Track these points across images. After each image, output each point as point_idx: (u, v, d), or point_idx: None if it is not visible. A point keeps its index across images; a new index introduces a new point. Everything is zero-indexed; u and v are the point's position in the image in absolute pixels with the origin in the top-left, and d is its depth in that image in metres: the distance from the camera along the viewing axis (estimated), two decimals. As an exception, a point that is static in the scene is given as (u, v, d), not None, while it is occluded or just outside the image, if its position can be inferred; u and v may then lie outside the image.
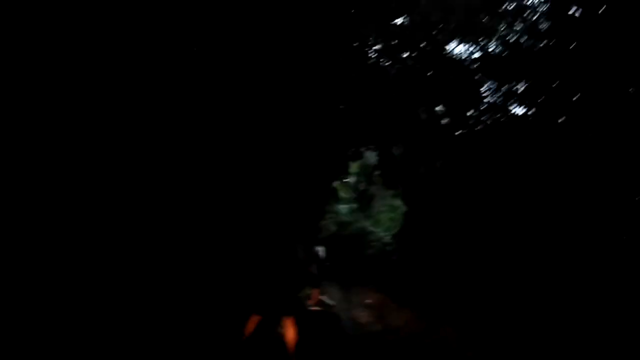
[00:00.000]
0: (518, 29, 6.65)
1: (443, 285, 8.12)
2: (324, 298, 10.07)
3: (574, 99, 5.64)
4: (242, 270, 5.91)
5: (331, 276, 12.73)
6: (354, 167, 14.22)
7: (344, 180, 11.85)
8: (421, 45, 6.92)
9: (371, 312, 10.47)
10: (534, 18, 6.43)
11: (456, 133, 7.91)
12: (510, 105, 6.76)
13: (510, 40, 6.76)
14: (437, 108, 7.89)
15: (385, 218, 13.94)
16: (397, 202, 12.80)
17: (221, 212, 5.99)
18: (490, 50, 6.81)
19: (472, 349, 6.59)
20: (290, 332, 5.05)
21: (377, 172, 9.90)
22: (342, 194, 13.94)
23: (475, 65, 7.13)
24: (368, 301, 11.95)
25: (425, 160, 8.78)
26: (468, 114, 7.46)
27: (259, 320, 4.95)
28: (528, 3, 6.57)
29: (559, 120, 6.01)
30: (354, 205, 16.45)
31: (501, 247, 6.78)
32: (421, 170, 8.78)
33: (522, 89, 6.47)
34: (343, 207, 14.97)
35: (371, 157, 10.99)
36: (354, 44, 7.26)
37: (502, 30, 6.91)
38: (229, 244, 6.20)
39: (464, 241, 7.61)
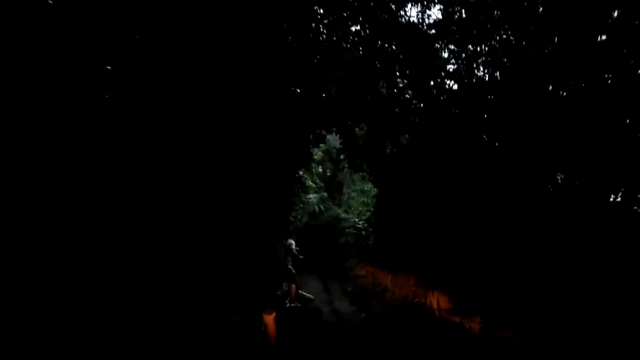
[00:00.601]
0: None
1: (424, 268, 7.82)
2: (303, 292, 9.68)
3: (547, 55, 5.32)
4: (214, 271, 5.71)
5: (308, 269, 12.49)
6: (318, 153, 13.74)
7: (310, 169, 11.34)
8: (374, 12, 6.43)
9: (352, 300, 10.19)
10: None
11: (420, 105, 7.54)
12: (476, 68, 6.39)
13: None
14: (398, 80, 7.46)
15: (357, 203, 13.57)
16: (367, 185, 12.43)
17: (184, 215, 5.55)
18: (450, 10, 6.39)
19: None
20: (270, 329, 4.95)
21: (342, 156, 9.41)
22: (310, 183, 13.42)
23: (434, 30, 6.73)
24: (348, 289, 11.71)
25: (391, 138, 8.39)
26: (432, 83, 7.08)
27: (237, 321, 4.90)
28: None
29: (529, 83, 5.68)
30: (324, 194, 16.01)
31: (478, 221, 6.46)
32: (387, 149, 8.39)
33: (487, 49, 6.11)
34: (312, 197, 14.48)
35: (334, 141, 10.51)
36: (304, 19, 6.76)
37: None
38: (199, 246, 5.84)
39: (441, 219, 7.28)
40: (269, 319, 4.92)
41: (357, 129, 8.39)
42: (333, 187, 16.80)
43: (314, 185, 14.62)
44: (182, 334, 4.82)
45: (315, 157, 12.73)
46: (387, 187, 9.34)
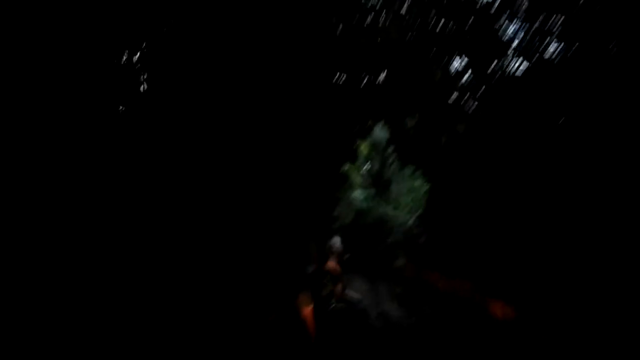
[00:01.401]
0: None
1: (484, 274, 7.01)
2: (349, 292, 9.10)
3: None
4: (254, 271, 5.67)
5: (354, 268, 11.92)
6: (363, 147, 13.01)
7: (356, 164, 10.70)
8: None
9: (402, 303, 9.49)
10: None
11: (479, 91, 6.71)
12: (549, 43, 5.49)
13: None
14: (454, 63, 6.68)
15: (407, 200, 12.80)
16: (418, 181, 11.63)
17: (225, 210, 5.55)
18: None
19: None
20: (309, 325, 4.81)
21: (390, 149, 8.72)
22: (356, 179, 12.78)
23: (495, 6, 5.91)
24: (397, 291, 11.02)
25: (445, 128, 7.61)
26: (492, 65, 6.25)
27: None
28: None
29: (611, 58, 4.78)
30: (371, 191, 15.29)
31: (537, 219, 5.62)
32: (441, 140, 7.62)
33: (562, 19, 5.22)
34: (358, 194, 13.79)
35: (382, 132, 9.81)
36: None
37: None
38: (237, 243, 5.72)
39: (496, 216, 6.47)
40: (306, 312, 4.76)
41: (407, 118, 7.70)
42: (381, 184, 16.05)
43: (360, 182, 13.93)
44: (217, 339, 4.69)
45: (362, 149, 12.06)
46: (440, 183, 8.55)
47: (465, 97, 7.17)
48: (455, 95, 7.10)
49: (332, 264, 8.16)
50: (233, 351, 4.68)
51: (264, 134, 5.92)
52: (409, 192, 12.87)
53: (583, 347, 4.70)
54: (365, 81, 7.09)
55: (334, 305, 7.87)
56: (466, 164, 7.51)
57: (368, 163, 15.77)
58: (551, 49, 5.63)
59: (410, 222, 11.46)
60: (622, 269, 4.42)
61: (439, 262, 9.22)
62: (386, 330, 7.17)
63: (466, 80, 7.04)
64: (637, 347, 4.07)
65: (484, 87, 6.75)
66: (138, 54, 4.66)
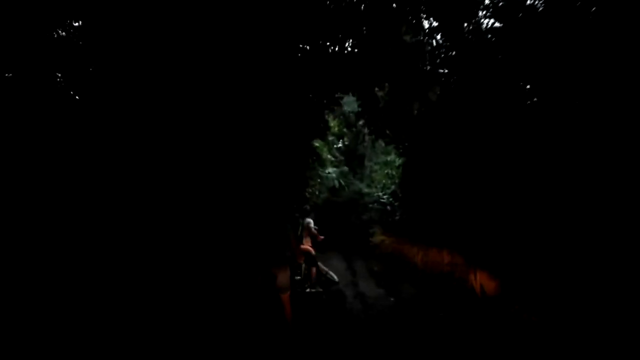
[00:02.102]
0: None
1: (462, 242, 6.74)
2: (326, 272, 8.77)
3: None
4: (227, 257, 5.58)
5: (330, 247, 11.61)
6: (334, 123, 12.54)
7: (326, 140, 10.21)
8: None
9: (379, 282, 9.23)
10: None
11: (452, 52, 6.30)
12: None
13: None
14: (425, 23, 6.21)
15: (380, 176, 12.48)
16: (391, 156, 11.28)
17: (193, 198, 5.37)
18: None
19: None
20: (286, 310, 4.95)
21: (361, 122, 8.27)
22: (327, 155, 12.33)
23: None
24: (374, 269, 10.79)
25: (418, 96, 7.17)
26: (465, 24, 5.82)
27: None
28: None
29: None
30: (344, 168, 14.92)
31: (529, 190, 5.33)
32: (415, 110, 7.20)
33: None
34: (331, 171, 13.40)
35: (351, 103, 9.31)
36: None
37: None
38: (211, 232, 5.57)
39: (483, 186, 6.16)
40: (284, 297, 4.86)
41: (377, 88, 7.23)
42: (354, 161, 15.68)
43: (332, 159, 13.50)
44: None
45: (332, 125, 11.55)
46: (414, 155, 8.21)
47: (437, 61, 6.75)
48: (426, 59, 6.66)
49: (307, 245, 7.84)
50: (212, 338, 4.61)
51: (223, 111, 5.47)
52: (382, 168, 12.55)
53: (573, 327, 4.48)
54: (330, 50, 6.56)
55: (309, 288, 7.58)
56: (441, 133, 7.15)
57: (340, 143, 15.37)
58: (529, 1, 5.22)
59: (385, 198, 11.14)
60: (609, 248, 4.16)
61: (416, 235, 8.97)
62: (364, 312, 6.87)
63: (438, 42, 6.61)
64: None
65: (454, 52, 6.34)
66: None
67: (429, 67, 6.47)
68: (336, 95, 6.95)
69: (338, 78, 6.61)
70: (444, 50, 6.39)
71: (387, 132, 7.98)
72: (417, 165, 8.09)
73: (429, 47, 6.46)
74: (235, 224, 5.64)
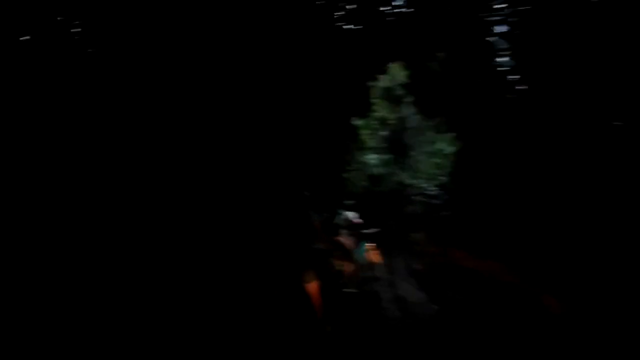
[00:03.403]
0: None
1: (528, 258, 5.70)
2: (362, 270, 7.90)
3: None
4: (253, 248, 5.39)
5: (369, 240, 10.71)
6: (376, 100, 11.22)
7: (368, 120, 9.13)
8: None
9: (421, 283, 8.17)
10: None
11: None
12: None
13: None
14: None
15: (427, 166, 11.26)
16: (441, 143, 10.07)
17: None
18: None
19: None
20: (315, 301, 4.67)
21: (409, 100, 7.19)
22: (368, 139, 11.19)
23: None
24: (415, 268, 9.74)
25: (478, 71, 6.03)
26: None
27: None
28: None
29: None
30: (386, 156, 13.75)
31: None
32: (474, 88, 6.04)
33: None
34: (372, 157, 12.26)
35: (398, 78, 8.22)
36: None
37: None
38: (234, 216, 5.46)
39: (538, 188, 5.17)
40: (312, 288, 4.64)
41: (430, 59, 6.14)
42: (397, 150, 14.49)
43: (373, 142, 12.34)
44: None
45: (375, 103, 10.37)
46: (474, 141, 7.00)
47: (506, 28, 5.57)
48: (493, 25, 5.49)
49: (342, 238, 7.06)
50: (237, 331, 4.43)
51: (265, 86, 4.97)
52: (431, 155, 11.33)
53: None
54: (375, 10, 5.53)
55: (343, 284, 6.73)
56: (505, 118, 5.99)
57: (383, 124, 14.19)
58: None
59: (431, 191, 10.01)
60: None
61: (465, 239, 7.86)
62: (402, 321, 5.91)
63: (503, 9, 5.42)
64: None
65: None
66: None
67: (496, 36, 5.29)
68: (382, 65, 5.92)
69: (384, 42, 5.60)
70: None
71: (440, 113, 6.86)
72: (476, 154, 6.90)
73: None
74: (253, 207, 5.19)
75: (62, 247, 3.88)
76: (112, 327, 3.80)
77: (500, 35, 5.66)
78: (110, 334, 3.74)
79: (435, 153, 11.15)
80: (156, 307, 4.13)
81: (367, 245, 8.10)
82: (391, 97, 9.82)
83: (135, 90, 4.55)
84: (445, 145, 9.89)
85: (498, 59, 5.72)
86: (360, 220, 7.74)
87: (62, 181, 4.10)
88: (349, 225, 7.41)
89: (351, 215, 7.40)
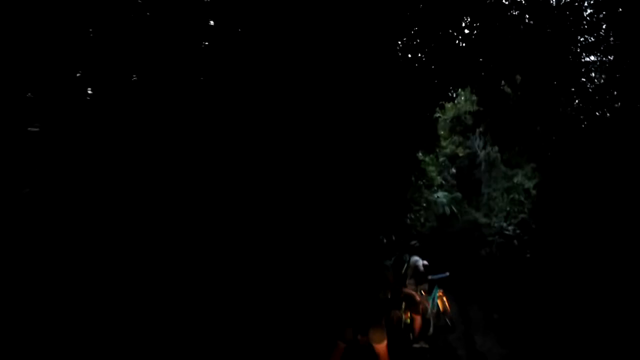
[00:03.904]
0: None
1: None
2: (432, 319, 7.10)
3: None
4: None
5: (439, 288, 9.75)
6: (444, 132, 10.39)
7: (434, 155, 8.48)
8: None
9: (502, 337, 7.12)
10: None
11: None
12: None
13: None
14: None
15: (503, 202, 10.31)
16: (519, 177, 9.15)
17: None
18: None
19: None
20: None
21: (480, 130, 6.51)
22: (435, 174, 10.48)
23: None
24: (495, 317, 8.62)
25: (562, 97, 5.32)
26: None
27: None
28: None
29: None
30: (457, 194, 12.87)
31: None
32: (560, 109, 5.31)
33: None
34: (441, 195, 11.47)
35: (467, 104, 7.55)
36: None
37: None
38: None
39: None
40: (380, 348, 4.03)
41: (504, 81, 5.52)
42: (468, 187, 13.54)
43: (441, 181, 11.57)
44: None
45: (442, 134, 9.65)
46: (559, 172, 6.12)
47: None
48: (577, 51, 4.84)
49: (410, 289, 6.27)
50: None
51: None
52: (507, 191, 10.34)
53: None
54: (441, 32, 5.10)
55: (413, 340, 6.24)
56: (593, 145, 5.16)
57: (451, 161, 13.33)
58: None
59: (510, 229, 9.01)
60: None
61: (555, 283, 6.78)
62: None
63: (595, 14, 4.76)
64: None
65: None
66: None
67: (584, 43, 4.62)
68: (450, 91, 5.41)
69: (451, 67, 5.11)
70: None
71: (517, 143, 6.11)
72: (562, 186, 6.02)
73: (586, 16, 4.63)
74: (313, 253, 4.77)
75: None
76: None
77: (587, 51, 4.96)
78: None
79: (512, 188, 10.19)
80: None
81: (439, 292, 7.23)
82: (459, 127, 9.17)
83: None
84: (524, 179, 8.96)
85: (584, 78, 4.98)
86: (428, 265, 6.92)
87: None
88: (417, 272, 6.60)
89: (419, 260, 6.59)
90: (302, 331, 4.94)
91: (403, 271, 6.46)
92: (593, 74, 4.99)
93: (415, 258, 6.71)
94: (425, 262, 6.94)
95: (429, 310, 6.99)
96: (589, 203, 5.45)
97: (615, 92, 4.98)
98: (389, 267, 4.52)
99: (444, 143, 10.75)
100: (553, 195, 6.48)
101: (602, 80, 5.02)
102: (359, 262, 4.48)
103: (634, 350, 5.18)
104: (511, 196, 9.80)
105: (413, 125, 5.63)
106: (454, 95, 5.68)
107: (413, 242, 7.01)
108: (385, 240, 6.77)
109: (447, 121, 10.07)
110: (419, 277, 6.58)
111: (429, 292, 7.24)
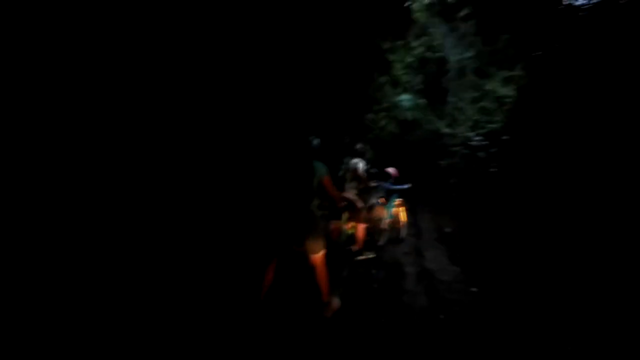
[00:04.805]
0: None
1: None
2: (379, 237, 6.81)
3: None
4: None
5: (396, 198, 9.18)
6: (418, 13, 8.93)
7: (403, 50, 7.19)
8: None
9: (453, 254, 6.66)
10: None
11: None
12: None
13: None
14: None
15: (471, 111, 9.44)
16: (493, 83, 8.17)
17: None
18: None
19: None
20: (318, 272, 3.84)
21: (462, 12, 5.27)
22: (402, 74, 9.29)
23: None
24: (447, 231, 8.23)
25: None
26: None
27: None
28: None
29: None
30: (421, 100, 11.88)
31: None
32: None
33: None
34: (405, 99, 10.41)
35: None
36: None
37: None
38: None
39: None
40: (316, 258, 3.81)
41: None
42: (433, 96, 12.58)
43: (407, 82, 10.43)
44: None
45: (417, 14, 8.11)
46: (549, 74, 5.13)
47: None
48: None
49: (350, 194, 5.80)
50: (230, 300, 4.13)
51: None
52: (476, 100, 9.42)
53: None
54: None
55: (354, 253, 6.01)
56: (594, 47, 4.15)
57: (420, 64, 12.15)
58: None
59: (476, 140, 8.27)
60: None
61: (525, 202, 6.19)
62: (428, 311, 4.42)
63: None
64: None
65: None
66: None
67: None
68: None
69: None
70: None
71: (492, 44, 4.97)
72: (552, 92, 5.06)
73: None
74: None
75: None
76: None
77: None
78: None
79: (483, 96, 9.27)
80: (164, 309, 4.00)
81: (395, 202, 6.99)
82: (438, 7, 7.65)
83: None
84: (498, 86, 7.98)
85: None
86: (396, 174, 6.51)
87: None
88: (357, 176, 5.93)
89: (359, 162, 5.92)
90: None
91: (340, 174, 5.98)
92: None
93: (355, 160, 6.08)
94: (392, 170, 6.62)
95: (384, 220, 6.81)
96: (580, 114, 4.58)
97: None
98: (320, 170, 3.80)
99: (414, 43, 9.42)
100: (537, 103, 5.56)
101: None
102: (298, 163, 3.68)
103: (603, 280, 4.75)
104: (481, 104, 8.92)
105: (379, 5, 4.51)
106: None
107: (359, 146, 6.38)
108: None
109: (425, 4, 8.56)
110: (360, 181, 5.99)
111: (387, 200, 6.86)
